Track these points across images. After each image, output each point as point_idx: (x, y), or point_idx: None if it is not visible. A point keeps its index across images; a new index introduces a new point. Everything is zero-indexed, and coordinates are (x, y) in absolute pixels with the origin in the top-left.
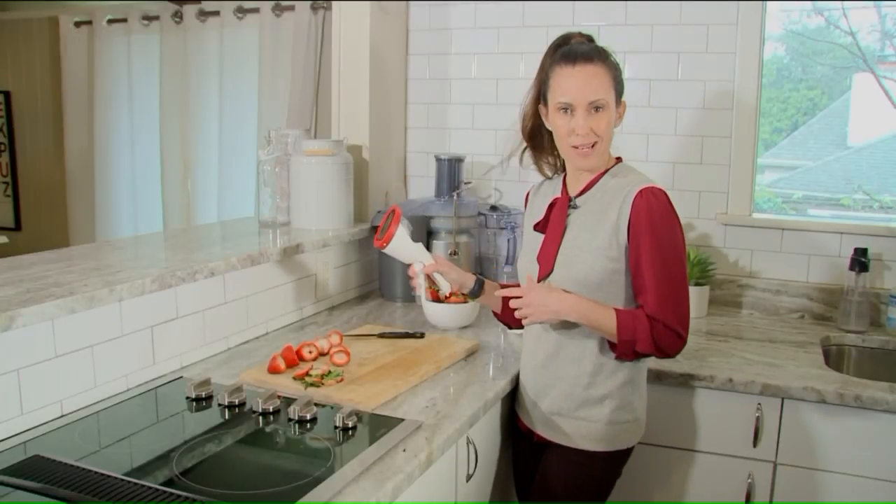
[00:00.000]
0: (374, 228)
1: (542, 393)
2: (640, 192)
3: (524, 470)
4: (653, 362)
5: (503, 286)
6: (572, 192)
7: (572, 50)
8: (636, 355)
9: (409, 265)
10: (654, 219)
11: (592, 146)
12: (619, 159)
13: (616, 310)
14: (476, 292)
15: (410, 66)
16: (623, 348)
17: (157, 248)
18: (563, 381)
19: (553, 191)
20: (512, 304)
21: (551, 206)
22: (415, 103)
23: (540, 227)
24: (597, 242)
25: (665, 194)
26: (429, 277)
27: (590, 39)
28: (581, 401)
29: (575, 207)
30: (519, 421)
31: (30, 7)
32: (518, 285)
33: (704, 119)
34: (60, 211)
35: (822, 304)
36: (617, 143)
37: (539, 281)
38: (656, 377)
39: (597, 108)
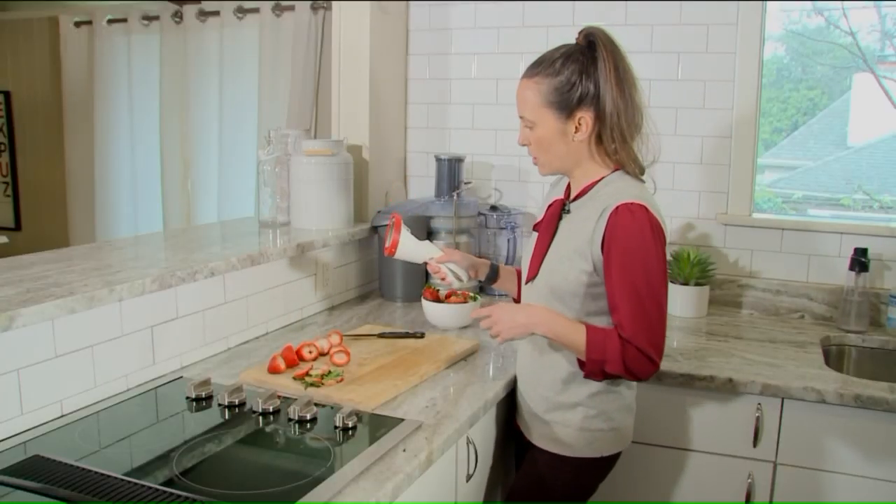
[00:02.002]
0: (375, 229)
1: (525, 393)
2: (617, 208)
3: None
4: None
5: (519, 272)
6: (571, 196)
7: (533, 61)
8: (605, 375)
9: (425, 264)
10: (625, 237)
11: (535, 159)
12: (618, 168)
13: (588, 327)
14: (492, 277)
15: (410, 66)
16: (591, 367)
17: (157, 248)
18: (540, 385)
19: (559, 191)
20: (482, 325)
21: (550, 206)
22: (415, 103)
23: (537, 227)
24: (574, 253)
25: (644, 210)
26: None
27: (590, 42)
28: (554, 405)
29: (567, 212)
30: (514, 420)
31: (30, 7)
32: (519, 271)
33: (704, 118)
34: (60, 211)
35: (822, 304)
36: None
37: (526, 283)
38: (656, 377)
39: (527, 125)
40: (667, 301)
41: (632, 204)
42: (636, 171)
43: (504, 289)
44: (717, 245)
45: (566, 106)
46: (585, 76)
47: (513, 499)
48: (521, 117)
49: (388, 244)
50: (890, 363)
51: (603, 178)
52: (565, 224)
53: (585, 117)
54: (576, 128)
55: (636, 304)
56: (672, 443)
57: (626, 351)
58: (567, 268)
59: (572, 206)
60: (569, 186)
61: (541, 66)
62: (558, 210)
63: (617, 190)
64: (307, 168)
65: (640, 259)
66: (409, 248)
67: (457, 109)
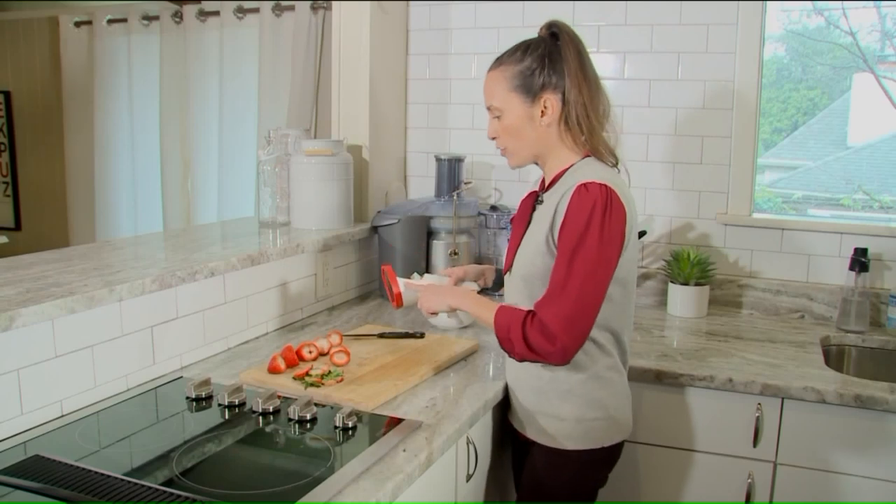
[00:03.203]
0: (375, 229)
1: (517, 388)
2: (577, 187)
3: (517, 469)
4: (653, 362)
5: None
6: (545, 186)
7: (497, 57)
8: (520, 356)
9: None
10: (572, 213)
11: (504, 150)
12: (588, 154)
13: (500, 305)
14: (499, 283)
15: (410, 66)
16: (503, 345)
17: (157, 248)
18: (530, 376)
19: (536, 185)
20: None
21: (524, 199)
22: (415, 103)
23: (513, 220)
24: (540, 239)
25: (600, 188)
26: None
27: (552, 33)
28: (546, 395)
29: (540, 202)
30: (508, 419)
31: (30, 7)
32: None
33: (704, 119)
34: (60, 211)
35: (822, 304)
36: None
37: (504, 275)
38: (656, 377)
39: (495, 115)
40: (600, 283)
41: (590, 183)
42: (611, 161)
43: None
44: (717, 245)
45: (530, 89)
46: (549, 61)
47: (523, 499)
48: (488, 109)
49: (392, 299)
50: (890, 363)
51: (573, 164)
52: (537, 215)
53: (551, 99)
54: (542, 111)
55: (560, 278)
56: (672, 443)
57: (528, 324)
58: (534, 254)
59: (544, 196)
60: (543, 179)
61: (504, 56)
62: (532, 202)
63: (584, 175)
64: (307, 168)
65: (579, 234)
66: (413, 293)
67: (457, 109)
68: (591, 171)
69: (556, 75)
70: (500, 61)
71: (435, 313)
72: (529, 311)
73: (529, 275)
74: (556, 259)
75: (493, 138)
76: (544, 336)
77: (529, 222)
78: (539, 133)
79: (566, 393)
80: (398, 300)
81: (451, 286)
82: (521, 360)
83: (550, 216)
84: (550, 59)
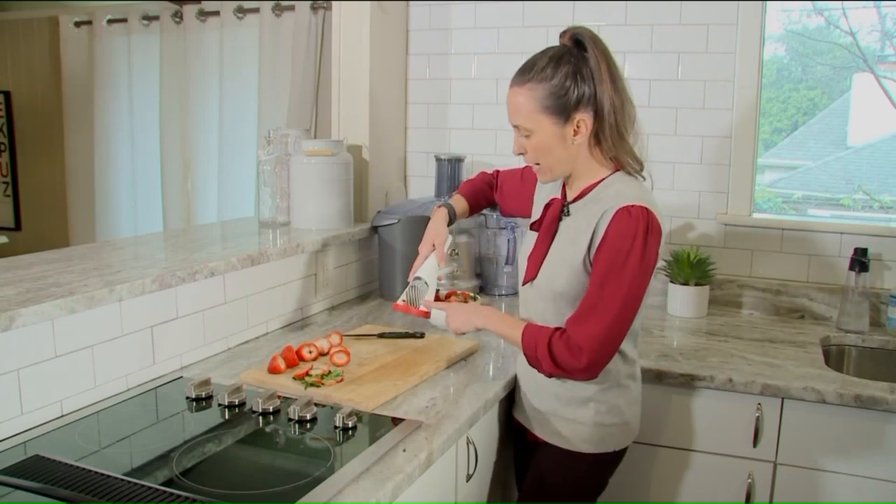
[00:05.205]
0: (375, 229)
1: (533, 391)
2: (617, 211)
3: (520, 468)
4: (653, 362)
5: (466, 195)
6: (570, 196)
7: (520, 67)
8: (548, 373)
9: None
10: (616, 237)
11: (536, 165)
12: (618, 168)
13: (527, 323)
14: (454, 217)
15: (410, 66)
16: (531, 363)
17: (157, 248)
18: (551, 383)
19: (555, 189)
20: (443, 322)
21: (548, 206)
22: (415, 103)
23: (535, 227)
24: (576, 257)
25: (643, 212)
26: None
27: (577, 42)
28: (566, 401)
29: (567, 214)
30: (514, 418)
31: (30, 7)
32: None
33: (704, 118)
34: (60, 211)
35: (822, 304)
36: None
37: (524, 284)
38: (656, 377)
39: (523, 134)
40: (634, 306)
41: (632, 206)
42: (636, 167)
43: (466, 216)
44: (717, 245)
45: (564, 110)
46: (580, 77)
47: (526, 498)
48: (515, 126)
49: (421, 309)
50: (890, 363)
51: (603, 179)
52: (565, 226)
53: (584, 119)
54: (574, 130)
55: (594, 298)
56: (672, 443)
57: (554, 340)
58: (569, 272)
59: (572, 207)
60: (564, 185)
61: (532, 72)
62: (558, 211)
63: (618, 192)
64: (307, 168)
65: (619, 259)
66: (428, 297)
67: (457, 109)
68: (629, 191)
69: (588, 92)
70: (526, 77)
71: (464, 333)
72: (557, 329)
73: (565, 292)
74: (594, 276)
75: (521, 154)
76: (571, 353)
77: (555, 232)
78: (570, 151)
79: (587, 399)
80: (426, 308)
81: (477, 306)
82: (550, 376)
83: (587, 236)
84: (581, 74)
